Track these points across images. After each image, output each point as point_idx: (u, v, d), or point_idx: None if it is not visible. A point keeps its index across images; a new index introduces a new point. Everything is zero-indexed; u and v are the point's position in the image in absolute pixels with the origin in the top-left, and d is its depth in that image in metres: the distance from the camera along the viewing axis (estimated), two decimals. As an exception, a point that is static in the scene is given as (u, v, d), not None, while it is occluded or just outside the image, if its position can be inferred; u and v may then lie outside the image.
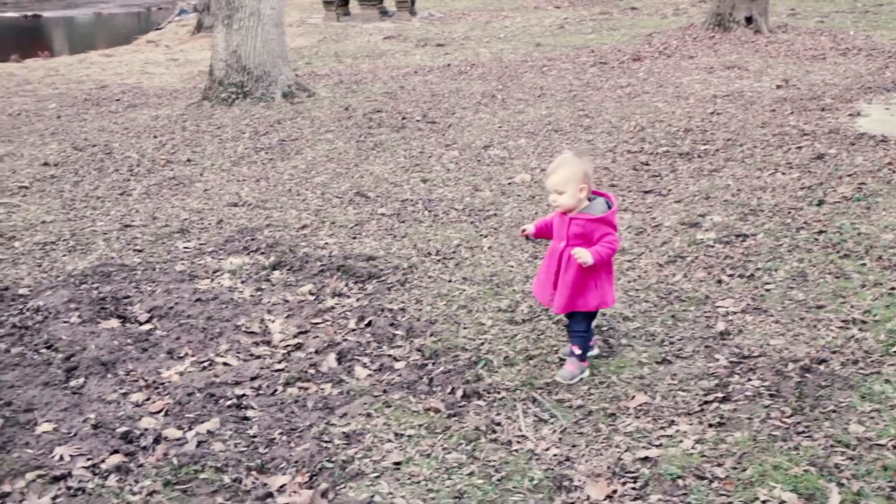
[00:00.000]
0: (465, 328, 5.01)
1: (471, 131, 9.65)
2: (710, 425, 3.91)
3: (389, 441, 3.93)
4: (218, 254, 6.37)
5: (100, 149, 9.75)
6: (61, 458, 3.84)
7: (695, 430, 3.89)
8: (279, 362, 4.73)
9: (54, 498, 3.58)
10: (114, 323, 5.26)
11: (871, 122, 8.87)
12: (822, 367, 4.32)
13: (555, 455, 3.77)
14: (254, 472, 3.73)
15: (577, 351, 4.40)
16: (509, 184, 7.69)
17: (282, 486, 3.63)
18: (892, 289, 5.12)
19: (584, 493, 3.51)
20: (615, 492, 3.50)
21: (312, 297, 5.56)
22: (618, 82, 11.98)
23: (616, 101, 10.69)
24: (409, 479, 3.66)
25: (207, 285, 5.82)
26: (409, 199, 7.43)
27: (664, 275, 5.61)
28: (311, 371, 4.61)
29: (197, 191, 8.05)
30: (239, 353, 4.87)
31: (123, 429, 4.06)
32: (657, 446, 3.79)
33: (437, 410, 4.15)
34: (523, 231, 4.55)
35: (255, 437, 4.02)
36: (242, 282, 5.86)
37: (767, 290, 5.26)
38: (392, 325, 5.08)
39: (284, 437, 4.00)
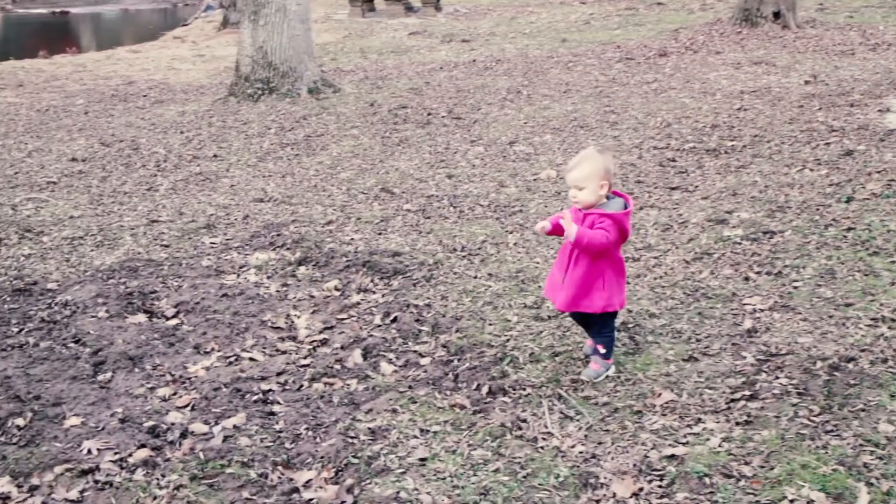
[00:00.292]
0: (490, 324, 5.00)
1: (496, 127, 9.63)
2: (738, 423, 3.89)
3: (415, 437, 3.93)
4: (244, 249, 6.39)
5: (127, 144, 9.81)
6: (89, 451, 3.86)
7: (722, 428, 3.86)
8: (305, 358, 4.74)
9: (82, 491, 3.60)
10: (141, 318, 5.29)
11: (901, 119, 8.78)
12: (850, 366, 4.28)
13: (580, 452, 3.76)
14: (280, 467, 3.74)
15: (602, 350, 4.37)
16: (535, 180, 7.67)
17: (308, 482, 3.64)
18: (922, 287, 5.07)
19: (610, 490, 3.49)
20: (641, 489, 3.48)
21: (338, 293, 5.57)
22: (644, 78, 11.92)
23: (642, 97, 10.64)
24: (434, 475, 3.65)
25: (233, 280, 5.84)
26: (434, 195, 7.43)
27: (691, 272, 5.58)
28: (337, 366, 4.62)
29: (223, 186, 8.08)
30: (265, 348, 4.88)
31: (150, 423, 4.08)
32: (684, 444, 3.77)
33: (462, 407, 4.14)
34: (542, 229, 4.32)
35: (281, 432, 4.03)
36: (268, 277, 5.88)
37: (795, 288, 5.21)
38: (417, 321, 5.08)
39: (310, 433, 4.01)
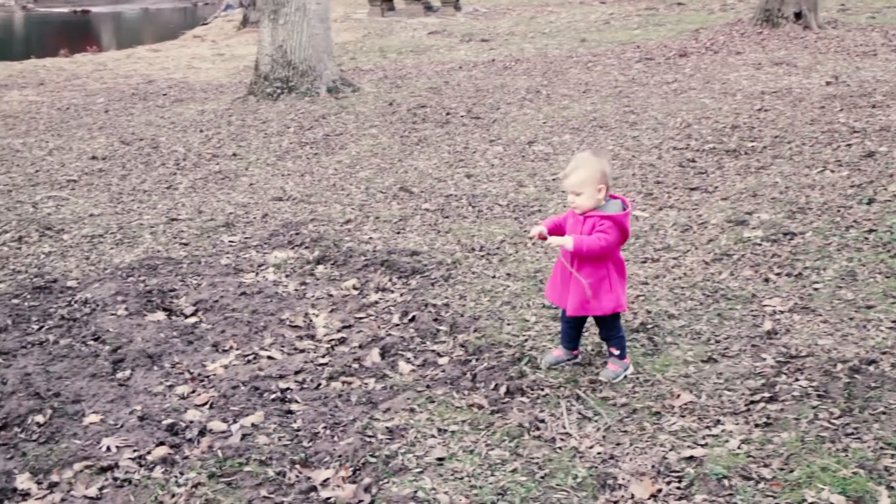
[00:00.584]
0: (508, 324, 4.99)
1: (515, 127, 9.62)
2: (757, 425, 3.86)
3: (433, 436, 3.93)
4: (263, 248, 6.41)
5: (147, 143, 9.85)
6: (108, 449, 3.88)
7: (741, 429, 3.84)
8: (323, 356, 4.74)
9: (101, 488, 3.62)
10: (160, 316, 5.31)
11: (923, 120, 8.71)
12: (871, 368, 4.25)
13: (599, 453, 3.75)
14: (298, 466, 3.74)
15: (616, 352, 4.36)
16: (553, 180, 7.66)
17: (325, 480, 3.64)
18: (945, 289, 5.03)
19: (629, 491, 3.48)
20: (660, 491, 3.47)
21: (356, 292, 5.57)
22: (664, 78, 11.88)
23: (662, 98, 10.61)
24: (452, 474, 3.65)
25: (252, 279, 5.86)
26: (453, 195, 7.43)
27: (710, 272, 5.55)
28: (355, 365, 4.62)
29: (242, 185, 8.10)
30: (283, 346, 4.89)
31: (169, 421, 4.09)
32: (702, 446, 3.75)
33: (480, 406, 4.14)
34: (538, 235, 4.27)
35: (298, 430, 4.03)
36: (287, 276, 5.89)
37: (816, 290, 5.18)
38: (436, 320, 5.08)
39: (328, 432, 4.01)
